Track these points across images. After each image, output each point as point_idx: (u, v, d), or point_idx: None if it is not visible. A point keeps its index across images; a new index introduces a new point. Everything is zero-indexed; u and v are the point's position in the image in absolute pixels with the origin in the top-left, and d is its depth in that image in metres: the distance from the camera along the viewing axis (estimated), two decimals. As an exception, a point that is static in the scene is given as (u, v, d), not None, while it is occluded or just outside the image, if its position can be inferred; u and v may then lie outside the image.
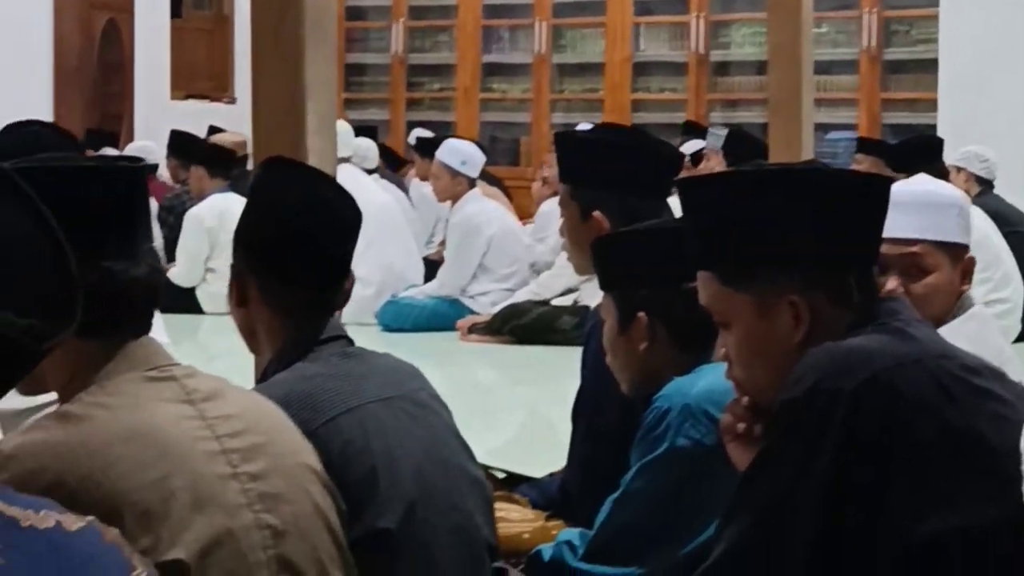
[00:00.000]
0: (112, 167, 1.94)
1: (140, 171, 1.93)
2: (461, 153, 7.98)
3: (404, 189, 9.47)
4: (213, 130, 10.22)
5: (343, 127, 8.24)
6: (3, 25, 9.89)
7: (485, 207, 7.98)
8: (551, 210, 7.95)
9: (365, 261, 7.24)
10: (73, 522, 1.18)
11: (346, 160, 7.98)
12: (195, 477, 1.76)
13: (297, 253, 2.28)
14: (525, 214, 9.05)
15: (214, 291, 8.16)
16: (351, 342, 2.32)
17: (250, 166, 8.90)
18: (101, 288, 1.82)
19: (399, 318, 7.61)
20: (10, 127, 3.34)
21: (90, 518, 1.21)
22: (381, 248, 7.73)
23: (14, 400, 2.32)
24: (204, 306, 8.14)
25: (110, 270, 1.83)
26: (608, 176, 3.00)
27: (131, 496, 1.69)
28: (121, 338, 1.85)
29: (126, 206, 1.88)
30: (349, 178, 7.43)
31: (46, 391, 1.94)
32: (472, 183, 7.96)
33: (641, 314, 2.62)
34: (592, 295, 6.74)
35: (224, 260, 8.05)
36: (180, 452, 1.77)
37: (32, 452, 1.70)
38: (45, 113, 9.60)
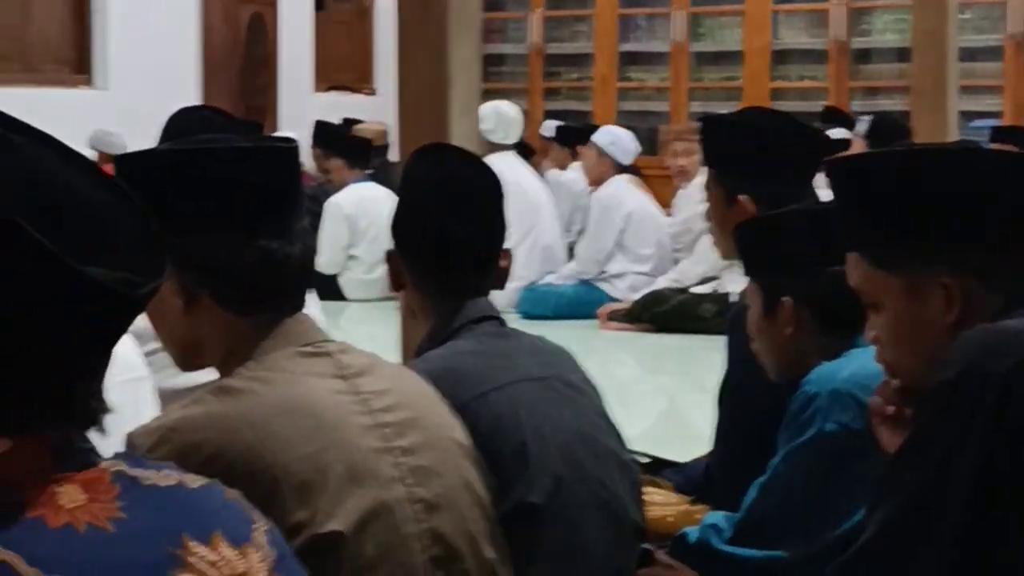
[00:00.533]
0: (266, 147, 1.98)
1: (293, 151, 1.97)
2: (611, 134, 8.18)
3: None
4: (349, 122, 10.33)
5: (514, 114, 8.33)
6: (153, 19, 10.11)
7: (628, 189, 8.05)
8: (688, 192, 8.03)
9: (522, 251, 7.36)
10: (194, 480, 1.22)
11: (509, 147, 8.10)
12: (350, 450, 1.79)
13: (436, 236, 2.31)
14: (663, 203, 9.03)
15: (356, 278, 8.28)
16: (503, 323, 2.34)
17: (391, 155, 8.99)
18: (257, 266, 1.87)
19: (538, 305, 7.64)
20: (182, 112, 3.46)
21: (212, 479, 1.25)
22: (537, 237, 7.88)
23: (175, 379, 2.39)
24: (347, 293, 8.25)
25: (266, 248, 1.87)
26: (754, 159, 2.98)
27: (289, 468, 1.72)
28: (277, 315, 1.89)
29: (280, 185, 1.91)
30: (508, 165, 7.53)
31: (205, 366, 1.99)
32: (619, 168, 8.04)
33: (786, 299, 2.60)
34: (733, 282, 6.73)
35: (365, 248, 8.21)
36: (335, 426, 1.80)
37: (194, 425, 1.74)
38: (193, 104, 9.78)
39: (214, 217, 1.86)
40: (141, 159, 1.95)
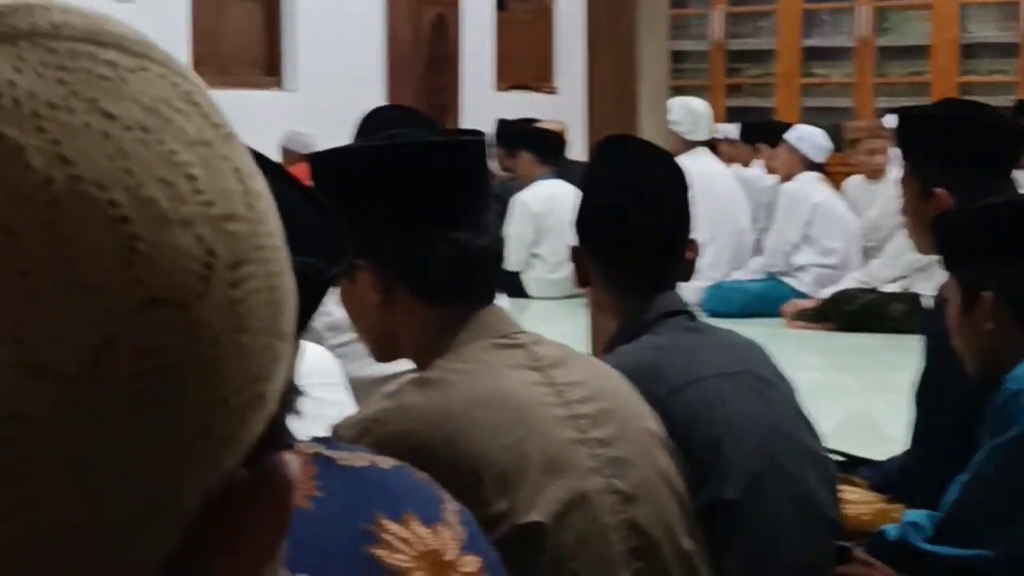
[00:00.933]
0: (456, 141, 1.99)
1: (481, 144, 1.98)
2: (801, 131, 8.19)
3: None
4: (527, 122, 10.36)
5: (704, 110, 8.32)
6: (340, 22, 10.29)
7: (815, 184, 8.01)
8: (879, 188, 7.95)
9: (711, 249, 7.35)
10: (385, 462, 1.24)
11: (701, 143, 8.11)
12: (547, 441, 1.79)
13: (622, 231, 2.30)
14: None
15: (539, 277, 8.31)
16: (693, 317, 2.33)
17: (571, 153, 9.01)
18: (451, 259, 1.88)
19: (724, 302, 7.58)
20: (376, 111, 3.57)
21: (403, 462, 1.27)
22: (728, 235, 7.91)
23: (370, 368, 2.44)
24: (530, 291, 8.28)
25: (459, 241, 1.88)
26: (951, 152, 2.92)
27: (489, 459, 1.73)
28: (471, 306, 1.90)
29: (471, 178, 1.92)
30: (699, 162, 7.52)
31: (400, 358, 2.01)
32: (809, 165, 7.99)
33: (986, 293, 2.54)
34: (923, 283, 6.60)
35: (549, 246, 8.23)
36: (532, 417, 1.80)
37: (396, 416, 1.76)
38: (379, 104, 9.92)
39: (407, 211, 1.88)
40: (334, 157, 1.98)
